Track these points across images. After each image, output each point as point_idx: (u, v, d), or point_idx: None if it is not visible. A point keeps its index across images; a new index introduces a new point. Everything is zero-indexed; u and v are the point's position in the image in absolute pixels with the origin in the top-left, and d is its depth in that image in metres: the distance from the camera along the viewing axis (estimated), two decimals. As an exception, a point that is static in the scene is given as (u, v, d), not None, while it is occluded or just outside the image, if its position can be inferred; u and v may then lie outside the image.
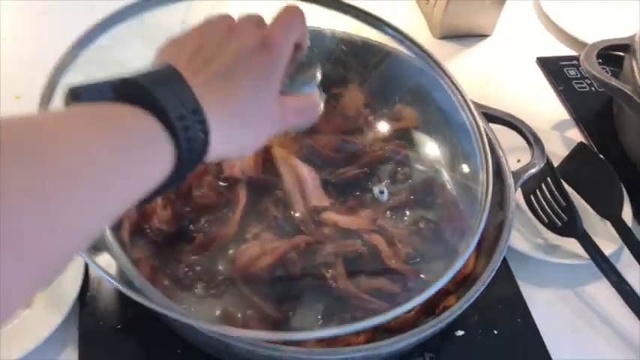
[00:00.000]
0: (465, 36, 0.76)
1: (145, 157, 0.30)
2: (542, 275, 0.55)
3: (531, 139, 0.54)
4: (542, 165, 0.52)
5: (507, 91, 0.71)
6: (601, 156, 0.59)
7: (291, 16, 0.39)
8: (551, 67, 0.73)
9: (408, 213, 0.54)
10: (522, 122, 0.55)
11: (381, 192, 0.52)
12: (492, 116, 0.56)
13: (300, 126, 0.40)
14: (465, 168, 0.56)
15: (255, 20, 0.39)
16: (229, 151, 0.35)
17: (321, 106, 0.41)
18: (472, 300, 0.44)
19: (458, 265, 0.44)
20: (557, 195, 0.55)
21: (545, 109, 0.70)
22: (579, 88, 0.71)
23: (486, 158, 0.51)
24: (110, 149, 0.28)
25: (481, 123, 0.54)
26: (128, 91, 0.31)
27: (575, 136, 0.67)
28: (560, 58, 0.74)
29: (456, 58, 0.74)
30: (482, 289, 0.44)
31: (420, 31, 0.76)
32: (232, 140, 0.35)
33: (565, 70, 0.73)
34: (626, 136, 0.64)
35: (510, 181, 0.51)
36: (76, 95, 0.31)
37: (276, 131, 0.38)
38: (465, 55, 0.74)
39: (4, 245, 0.22)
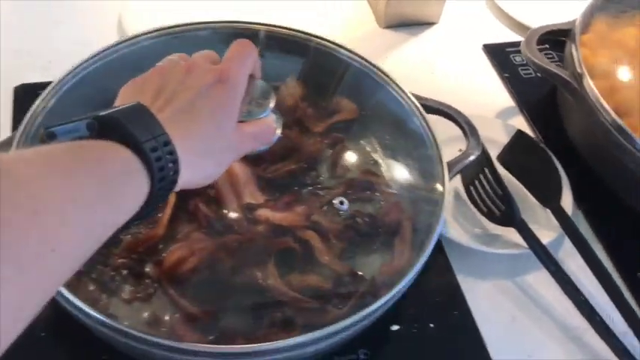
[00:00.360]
0: (411, 24, 0.75)
1: (124, 186, 0.33)
2: (481, 266, 0.55)
3: (467, 129, 0.53)
4: (478, 155, 0.52)
5: (453, 79, 0.71)
6: (541, 144, 0.58)
7: (242, 50, 0.42)
8: (497, 54, 0.73)
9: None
10: (458, 112, 0.54)
11: (342, 203, 0.51)
12: (428, 107, 0.55)
13: (258, 149, 0.44)
14: (406, 161, 0.56)
15: (210, 57, 0.43)
16: (194, 179, 0.39)
17: (279, 130, 0.46)
18: (399, 293, 0.43)
19: (413, 272, 0.44)
20: (495, 184, 0.54)
21: (490, 97, 0.69)
22: (525, 74, 0.71)
23: (439, 153, 0.51)
24: (94, 180, 0.31)
25: (425, 114, 0.53)
26: (102, 127, 0.34)
27: (519, 123, 0.66)
28: (506, 45, 0.74)
29: (401, 47, 0.73)
30: (408, 282, 0.43)
31: (366, 20, 0.75)
32: (197, 169, 0.38)
33: (511, 56, 0.73)
34: (569, 122, 0.64)
35: (443, 171, 0.50)
36: (52, 135, 0.35)
37: (236, 157, 0.42)
38: (411, 44, 0.73)
39: (5, 258, 0.25)
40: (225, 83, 0.39)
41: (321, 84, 0.60)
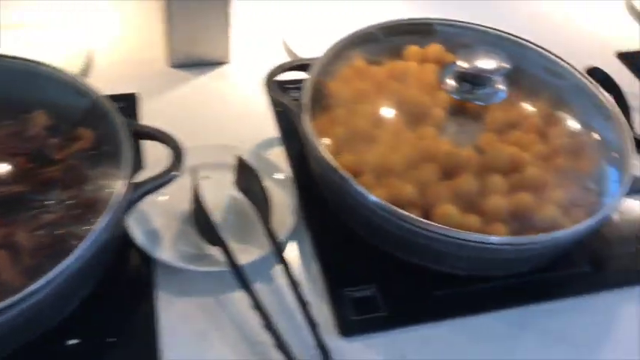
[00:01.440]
0: (201, 64, 0.79)
1: None
2: (188, 284, 0.57)
3: (174, 153, 0.56)
4: (170, 177, 0.55)
5: (229, 114, 0.74)
6: (254, 169, 0.61)
7: None
8: (278, 91, 0.76)
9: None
10: (170, 138, 0.58)
11: None
12: (143, 132, 0.58)
13: None
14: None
15: None
16: None
17: None
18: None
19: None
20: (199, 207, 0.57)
21: (259, 129, 0.73)
22: (296, 109, 0.74)
23: (128, 174, 0.54)
24: None
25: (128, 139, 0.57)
26: None
27: (277, 153, 0.69)
28: (288, 82, 0.77)
29: (184, 85, 0.77)
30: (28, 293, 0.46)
31: (158, 60, 0.80)
32: None
33: (290, 92, 0.76)
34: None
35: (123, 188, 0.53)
36: None
37: None
38: (193, 82, 0.78)
39: None
40: None
41: (71, 115, 0.64)
